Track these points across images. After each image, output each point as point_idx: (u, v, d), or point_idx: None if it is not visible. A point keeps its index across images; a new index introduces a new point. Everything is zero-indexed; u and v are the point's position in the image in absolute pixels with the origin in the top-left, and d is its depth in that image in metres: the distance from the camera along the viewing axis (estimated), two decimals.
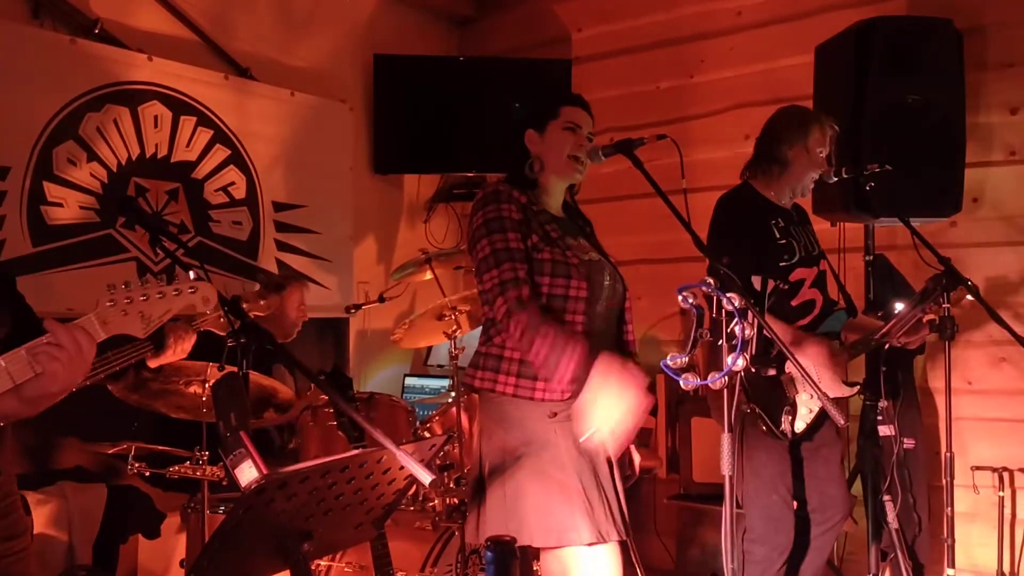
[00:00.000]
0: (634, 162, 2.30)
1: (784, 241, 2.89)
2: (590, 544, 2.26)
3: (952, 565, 2.97)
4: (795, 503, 2.91)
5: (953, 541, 2.99)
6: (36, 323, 1.87)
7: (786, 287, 2.85)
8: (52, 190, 3.47)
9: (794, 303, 2.89)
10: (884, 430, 3.20)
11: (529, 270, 2.28)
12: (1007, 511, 3.59)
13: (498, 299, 2.25)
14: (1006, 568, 3.56)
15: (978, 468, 3.62)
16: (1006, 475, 3.58)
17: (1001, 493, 3.56)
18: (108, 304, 1.88)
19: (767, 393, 2.74)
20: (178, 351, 2.16)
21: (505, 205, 2.33)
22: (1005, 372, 3.70)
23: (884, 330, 2.90)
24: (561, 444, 2.28)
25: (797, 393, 2.80)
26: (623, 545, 2.85)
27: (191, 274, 1.93)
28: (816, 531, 2.94)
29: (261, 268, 4.19)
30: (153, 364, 2.17)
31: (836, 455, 3.01)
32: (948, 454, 2.96)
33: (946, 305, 2.81)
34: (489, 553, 1.67)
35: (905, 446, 3.49)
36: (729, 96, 4.38)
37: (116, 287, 1.88)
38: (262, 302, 2.34)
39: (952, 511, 2.98)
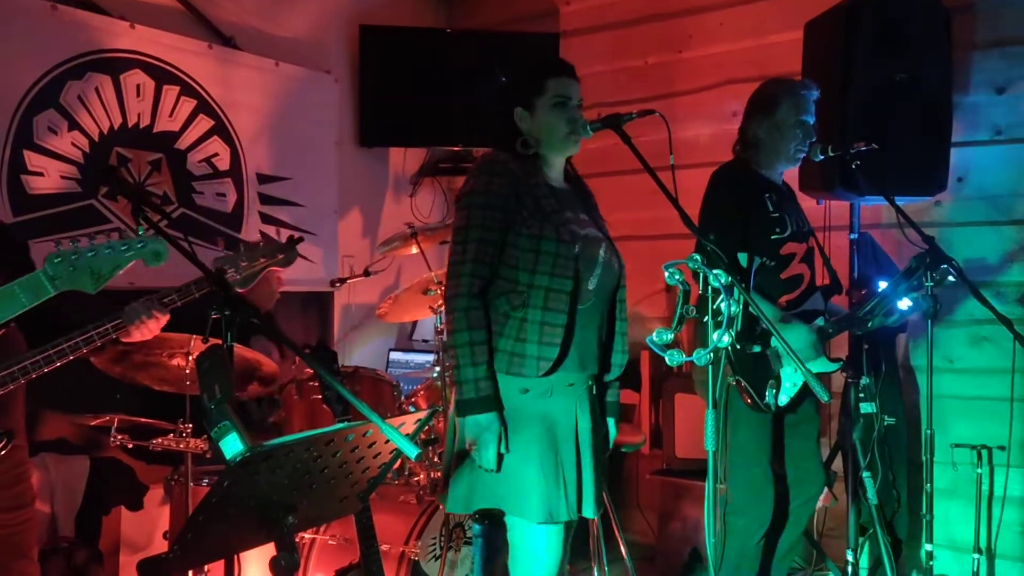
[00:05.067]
0: (622, 137, 2.29)
1: (777, 214, 2.90)
2: (540, 523, 2.30)
3: (930, 541, 3.01)
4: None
5: (932, 517, 3.03)
6: None
7: (773, 264, 2.86)
8: (32, 159, 3.43)
9: (783, 276, 2.91)
10: (865, 407, 3.24)
11: (501, 249, 2.32)
12: (985, 488, 3.64)
13: (451, 280, 2.33)
14: (983, 544, 3.61)
15: (957, 446, 3.66)
16: (985, 453, 3.62)
17: (979, 470, 3.60)
18: (56, 260, 1.88)
19: (752, 366, 2.76)
20: (143, 331, 2.12)
21: (496, 179, 2.33)
22: (986, 351, 3.73)
23: (868, 308, 2.93)
24: (527, 422, 2.31)
25: (781, 366, 2.82)
26: (604, 518, 2.87)
27: (140, 230, 1.94)
28: (792, 504, 2.98)
29: (245, 240, 4.15)
30: (126, 340, 2.14)
31: (814, 431, 3.04)
32: (929, 432, 2.99)
33: (929, 284, 2.83)
34: (477, 526, 1.67)
35: (886, 423, 3.53)
36: (718, 72, 4.37)
37: (63, 244, 1.88)
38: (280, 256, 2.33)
39: (931, 488, 3.01)
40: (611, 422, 2.57)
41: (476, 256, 2.30)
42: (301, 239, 2.36)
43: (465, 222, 2.33)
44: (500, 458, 2.28)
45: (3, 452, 2.07)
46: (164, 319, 2.15)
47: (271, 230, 4.28)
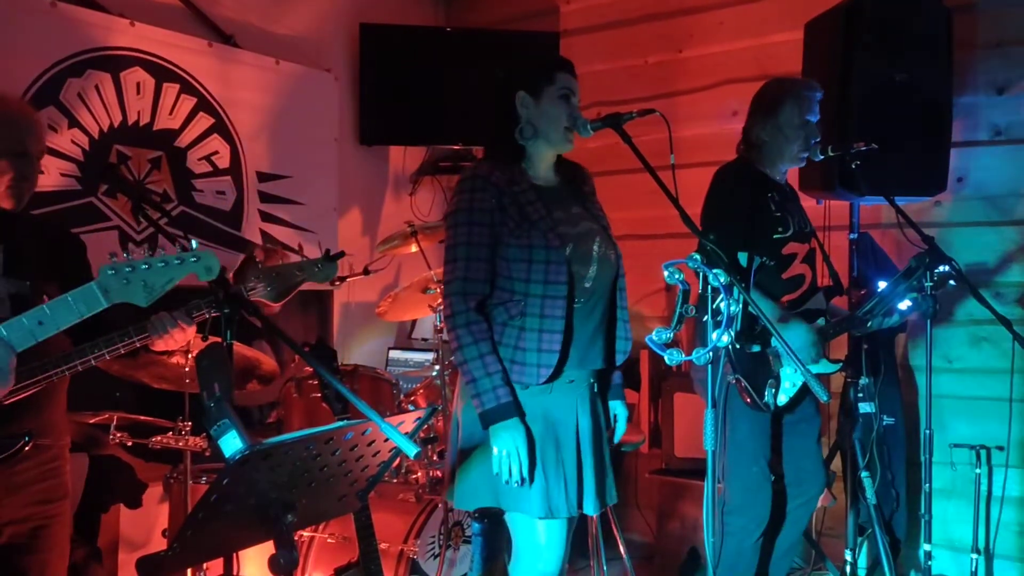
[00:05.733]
0: (623, 137, 2.29)
1: (779, 214, 2.90)
2: (541, 518, 2.31)
3: (929, 541, 3.01)
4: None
5: (930, 517, 3.03)
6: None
7: (773, 263, 2.86)
8: None
9: (784, 276, 2.91)
10: (865, 407, 3.24)
11: (492, 264, 2.32)
12: (983, 488, 3.64)
13: (448, 299, 2.32)
14: (981, 544, 3.61)
15: (956, 446, 3.66)
16: (983, 453, 3.63)
17: (978, 470, 3.60)
18: (110, 272, 1.90)
19: (752, 365, 2.76)
20: (168, 342, 2.15)
21: (479, 194, 2.33)
22: (985, 351, 3.73)
23: (867, 308, 2.93)
24: (528, 419, 2.31)
25: (781, 366, 2.82)
26: (603, 517, 2.86)
27: (194, 244, 1.95)
28: (791, 504, 2.98)
29: (245, 239, 4.15)
30: (155, 348, 2.17)
31: (814, 430, 3.04)
32: (927, 432, 2.98)
33: (929, 284, 2.84)
34: (477, 524, 1.67)
35: (885, 423, 3.53)
36: (718, 72, 4.37)
37: (118, 255, 1.90)
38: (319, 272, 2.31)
39: (930, 487, 3.01)
40: (619, 405, 2.56)
41: (467, 274, 2.30)
42: (341, 253, 2.33)
43: (453, 241, 2.34)
44: (532, 463, 2.29)
45: (26, 449, 2.09)
46: (191, 330, 2.16)
47: (271, 228, 4.28)
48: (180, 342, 2.17)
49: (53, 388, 2.11)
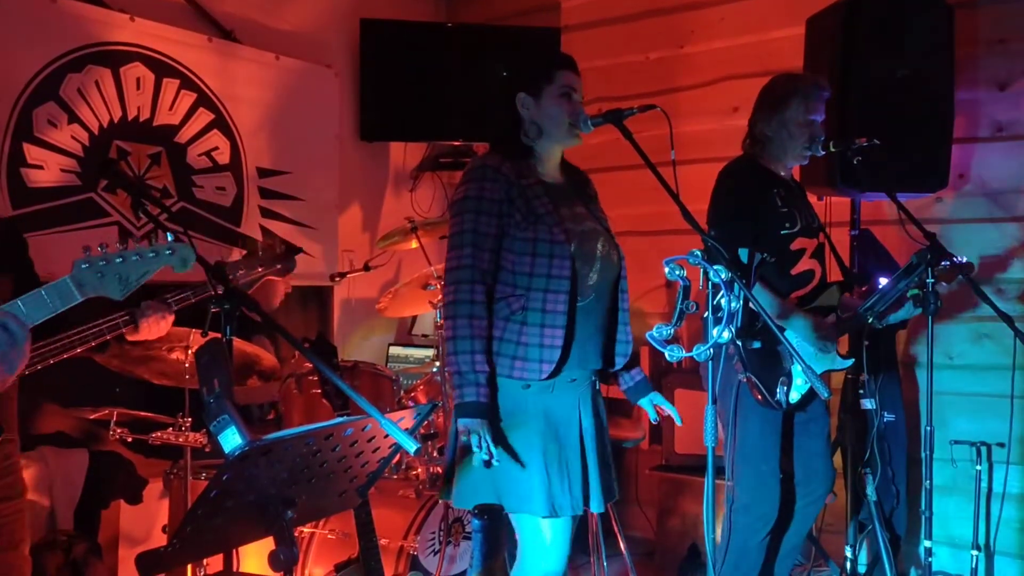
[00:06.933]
0: (623, 133, 2.29)
1: (786, 209, 2.89)
2: (544, 517, 2.31)
3: (929, 537, 3.01)
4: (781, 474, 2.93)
5: (931, 514, 3.03)
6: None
7: (774, 260, 2.86)
8: (32, 152, 3.42)
9: (794, 272, 2.90)
10: (865, 404, 3.24)
11: (497, 255, 2.31)
12: (984, 485, 3.64)
13: (453, 285, 2.31)
14: (982, 541, 3.61)
15: (957, 442, 3.66)
16: (984, 449, 3.62)
17: (979, 467, 3.60)
18: (84, 267, 1.89)
19: (764, 362, 2.76)
20: (153, 329, 2.15)
21: (488, 184, 2.32)
22: (986, 348, 3.72)
23: (867, 305, 2.92)
24: (530, 418, 2.31)
25: (793, 363, 2.81)
26: (604, 514, 2.85)
27: (169, 236, 1.94)
28: (798, 503, 2.97)
29: (245, 235, 4.15)
30: (132, 339, 2.16)
31: (824, 429, 3.03)
32: (928, 428, 2.98)
33: (930, 280, 2.83)
34: (477, 520, 1.67)
35: (885, 419, 3.53)
36: (719, 68, 4.36)
37: (91, 249, 1.88)
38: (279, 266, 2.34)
39: (931, 484, 3.01)
40: (656, 396, 2.54)
41: (474, 262, 2.29)
42: (300, 249, 2.36)
43: (460, 227, 2.32)
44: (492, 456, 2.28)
45: None
46: (171, 319, 2.19)
47: (271, 224, 4.27)
48: (163, 330, 2.19)
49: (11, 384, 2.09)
